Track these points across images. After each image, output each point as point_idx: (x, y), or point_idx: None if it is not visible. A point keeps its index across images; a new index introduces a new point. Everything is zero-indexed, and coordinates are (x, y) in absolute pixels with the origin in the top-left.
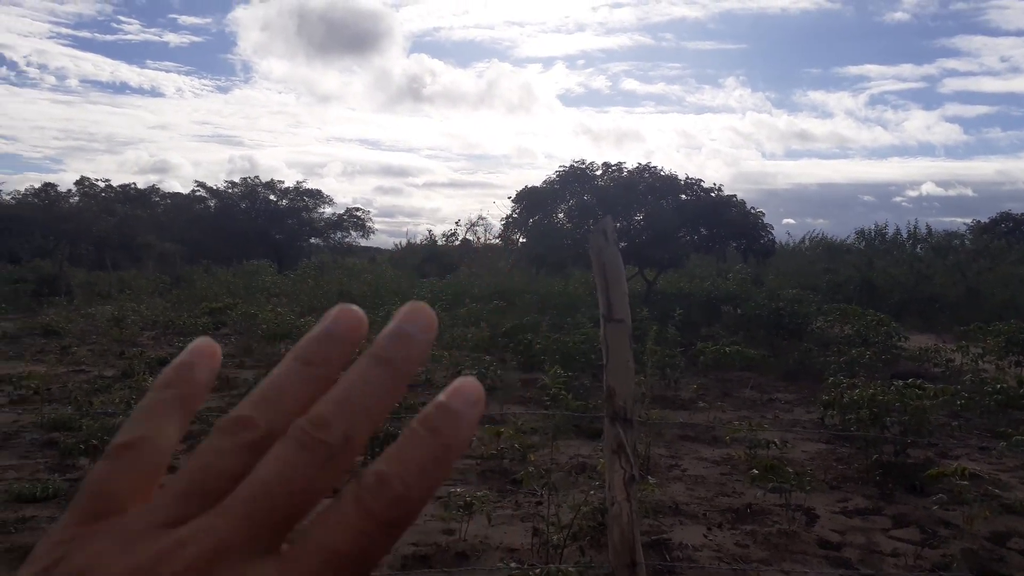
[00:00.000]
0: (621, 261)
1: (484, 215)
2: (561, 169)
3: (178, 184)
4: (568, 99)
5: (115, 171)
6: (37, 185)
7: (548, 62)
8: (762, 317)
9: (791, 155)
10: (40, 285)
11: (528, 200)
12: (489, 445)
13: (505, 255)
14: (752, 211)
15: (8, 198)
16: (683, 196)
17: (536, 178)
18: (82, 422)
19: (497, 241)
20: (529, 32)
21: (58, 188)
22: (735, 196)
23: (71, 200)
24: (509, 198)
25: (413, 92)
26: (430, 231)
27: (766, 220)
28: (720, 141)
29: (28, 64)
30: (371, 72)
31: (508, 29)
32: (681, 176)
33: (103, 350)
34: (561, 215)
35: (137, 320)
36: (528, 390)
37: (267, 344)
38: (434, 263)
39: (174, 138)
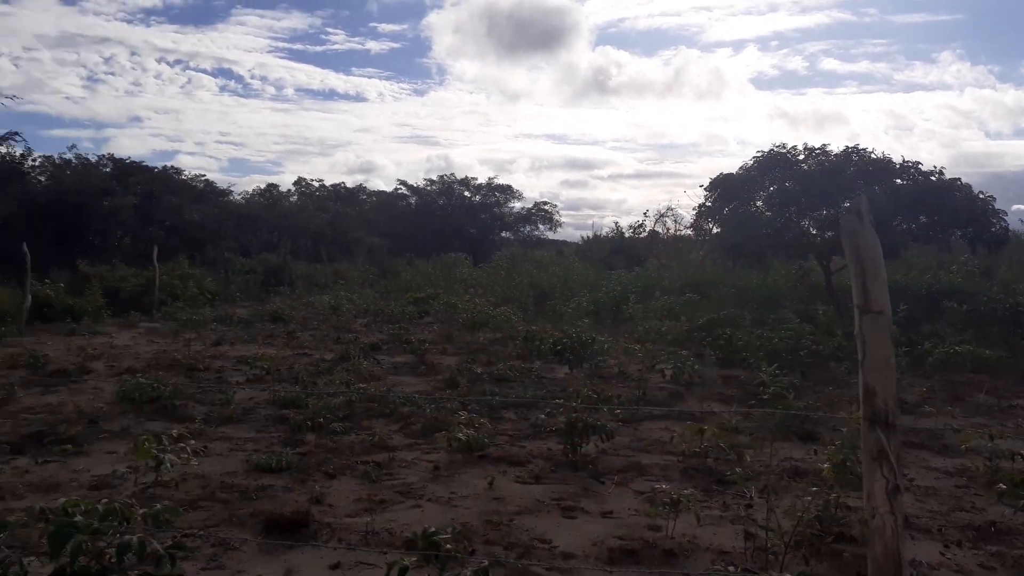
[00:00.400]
0: (878, 244)
1: (673, 205)
2: (759, 154)
3: (381, 183)
4: (761, 82)
5: (326, 172)
6: (262, 186)
7: (738, 45)
8: (996, 313)
9: (1020, 133)
10: (267, 276)
11: (723, 188)
12: (691, 443)
13: (697, 246)
14: (981, 196)
15: (239, 198)
16: (898, 181)
17: (726, 166)
18: (308, 401)
19: (687, 232)
20: (718, 16)
21: (279, 188)
22: (959, 180)
23: (291, 199)
24: (701, 186)
25: (598, 85)
26: (616, 223)
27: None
28: (935, 121)
29: (252, 77)
30: (557, 68)
31: (696, 15)
32: (896, 159)
33: (322, 335)
34: (759, 203)
35: (351, 308)
36: (728, 387)
37: (466, 332)
38: (621, 255)
39: (377, 140)
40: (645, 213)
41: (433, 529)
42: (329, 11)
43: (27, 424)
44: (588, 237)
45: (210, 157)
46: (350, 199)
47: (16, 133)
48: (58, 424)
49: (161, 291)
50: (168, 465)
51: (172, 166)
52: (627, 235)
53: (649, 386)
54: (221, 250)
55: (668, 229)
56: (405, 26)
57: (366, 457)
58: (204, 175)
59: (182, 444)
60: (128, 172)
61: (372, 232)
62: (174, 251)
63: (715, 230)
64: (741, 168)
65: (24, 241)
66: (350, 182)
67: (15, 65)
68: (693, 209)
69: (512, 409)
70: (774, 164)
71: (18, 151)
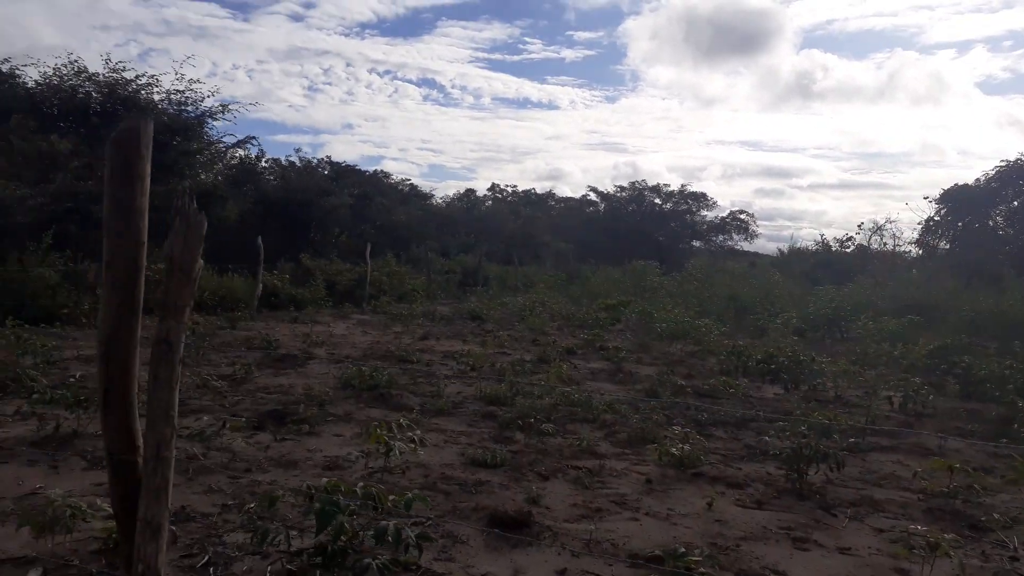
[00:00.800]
0: None
1: (891, 218)
2: (1001, 165)
3: (568, 189)
4: (990, 86)
5: (516, 178)
6: (461, 190)
7: (964, 46)
8: None
9: None
10: (465, 276)
11: (956, 200)
12: (935, 480)
13: (918, 263)
14: None
15: (440, 201)
16: None
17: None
18: (515, 399)
19: (909, 247)
20: (941, 15)
21: (476, 193)
22: None
23: (486, 204)
24: (927, 198)
25: (802, 89)
26: (822, 235)
27: None
28: None
29: (453, 87)
30: (757, 72)
31: (915, 14)
32: None
33: (518, 336)
34: (999, 218)
35: (543, 312)
36: (969, 422)
37: (662, 342)
38: (826, 269)
39: (566, 147)
40: (860, 226)
41: (683, 549)
42: (528, 21)
43: (264, 403)
44: (784, 249)
45: (411, 163)
46: (539, 205)
47: (253, 137)
48: (290, 404)
49: (371, 286)
50: (397, 453)
51: (381, 170)
52: (833, 248)
53: (875, 414)
54: (424, 250)
55: (885, 243)
56: (601, 33)
57: (576, 462)
58: (409, 179)
59: (409, 433)
60: (343, 174)
61: (559, 237)
62: (382, 249)
63: (944, 246)
64: (979, 180)
65: (258, 235)
66: (539, 188)
67: (249, 76)
68: (918, 223)
69: (721, 427)
70: (1019, 175)
71: (253, 153)
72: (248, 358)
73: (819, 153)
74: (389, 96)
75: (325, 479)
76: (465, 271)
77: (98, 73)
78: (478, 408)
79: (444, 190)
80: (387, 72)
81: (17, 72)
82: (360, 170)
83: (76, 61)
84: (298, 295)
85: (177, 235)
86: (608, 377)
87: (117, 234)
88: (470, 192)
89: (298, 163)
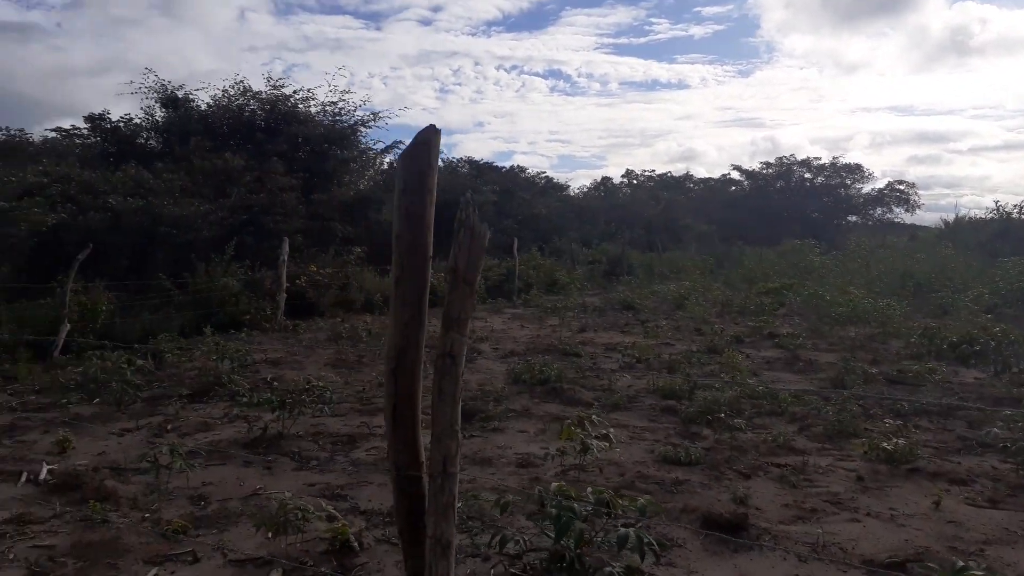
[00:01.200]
0: None
1: None
2: None
3: (703, 170)
4: None
5: (647, 162)
6: (596, 180)
7: None
8: None
9: None
10: (610, 265)
11: None
12: None
13: None
14: None
15: (577, 192)
16: None
17: None
18: (691, 392)
19: None
20: None
21: (613, 180)
22: None
23: (623, 191)
24: None
25: (956, 46)
26: (996, 202)
27: None
28: None
29: (579, 75)
30: (905, 32)
31: None
32: None
33: (678, 325)
34: None
35: (700, 299)
36: None
37: (836, 326)
38: (1005, 239)
39: (698, 126)
40: None
41: (962, 564)
42: (653, 1)
43: None
44: (948, 220)
45: (541, 155)
46: (677, 187)
47: (399, 142)
48: (468, 401)
49: (519, 279)
50: (595, 451)
51: (518, 165)
52: (1013, 216)
53: None
54: (568, 241)
55: None
56: (730, 7)
57: (775, 459)
58: (544, 172)
59: (603, 431)
60: (482, 172)
61: (700, 219)
62: (525, 243)
63: None
64: None
65: None
66: (673, 171)
67: (384, 84)
68: None
69: (925, 417)
70: None
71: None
72: None
73: (979, 113)
74: (517, 91)
75: (521, 477)
76: (609, 260)
77: (261, 91)
78: (654, 402)
79: (576, 180)
80: (514, 67)
81: (191, 97)
82: (497, 167)
83: (241, 81)
84: None
85: (461, 247)
86: (785, 366)
87: (409, 250)
88: (606, 180)
89: (441, 164)
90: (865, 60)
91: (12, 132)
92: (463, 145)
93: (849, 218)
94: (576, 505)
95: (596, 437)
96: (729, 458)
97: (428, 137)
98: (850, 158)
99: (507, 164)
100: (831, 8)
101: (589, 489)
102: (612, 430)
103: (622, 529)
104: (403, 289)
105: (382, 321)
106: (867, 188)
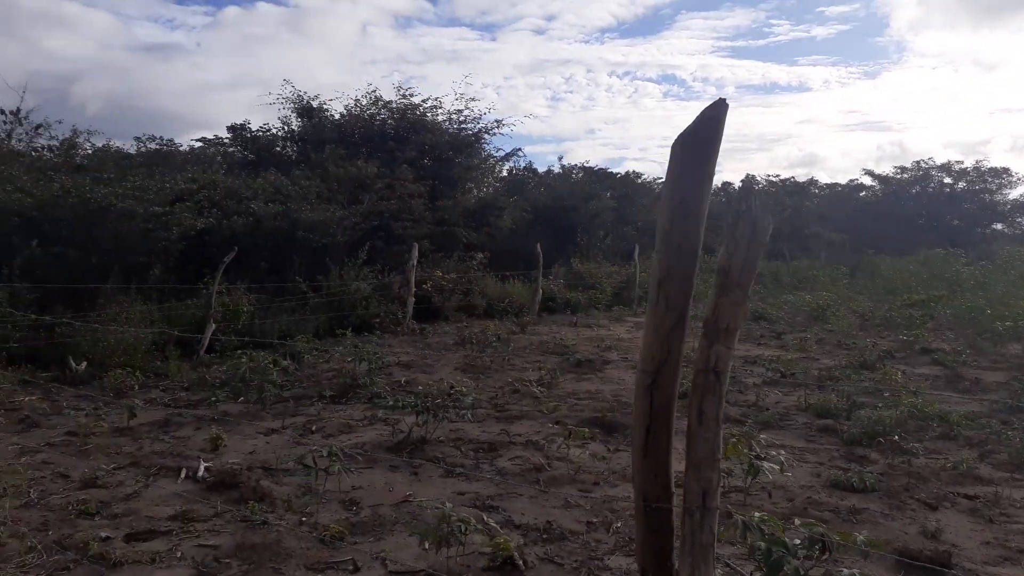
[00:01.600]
0: None
1: None
2: None
3: (824, 175)
4: None
5: (766, 168)
6: (716, 186)
7: None
8: None
9: None
10: None
11: None
12: None
13: None
14: None
15: None
16: None
17: None
18: (851, 412)
19: None
20: None
21: (733, 186)
22: None
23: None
24: None
25: None
26: None
27: None
28: None
29: (694, 80)
30: None
31: None
32: None
33: (819, 338)
34: None
35: (840, 310)
36: None
37: (995, 341)
38: None
39: (820, 130)
40: None
41: None
42: (774, 3)
43: (579, 409)
44: None
45: (652, 161)
46: (802, 193)
47: (519, 150)
48: (607, 412)
49: (639, 287)
50: (768, 473)
51: (632, 171)
52: None
53: None
54: None
55: None
56: (856, 6)
57: (959, 488)
58: (660, 178)
59: (774, 452)
60: (599, 178)
61: (827, 226)
62: (644, 249)
63: None
64: None
65: (528, 242)
66: (795, 177)
67: (497, 93)
68: None
69: None
70: None
71: (521, 165)
72: (547, 363)
73: None
74: (629, 97)
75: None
76: None
77: (391, 100)
78: (808, 421)
79: None
80: (626, 73)
81: (324, 106)
82: (612, 173)
83: (374, 91)
84: (572, 298)
85: (738, 243)
86: (947, 384)
87: (678, 245)
88: (727, 185)
89: (559, 171)
90: (1007, 58)
91: (164, 142)
92: (573, 152)
93: (995, 226)
94: (787, 541)
95: (760, 458)
96: (908, 486)
97: (717, 113)
98: (991, 162)
99: (619, 170)
100: (970, 3)
101: (757, 514)
102: (782, 452)
103: (845, 571)
104: (667, 291)
105: (507, 327)
106: (1014, 194)
